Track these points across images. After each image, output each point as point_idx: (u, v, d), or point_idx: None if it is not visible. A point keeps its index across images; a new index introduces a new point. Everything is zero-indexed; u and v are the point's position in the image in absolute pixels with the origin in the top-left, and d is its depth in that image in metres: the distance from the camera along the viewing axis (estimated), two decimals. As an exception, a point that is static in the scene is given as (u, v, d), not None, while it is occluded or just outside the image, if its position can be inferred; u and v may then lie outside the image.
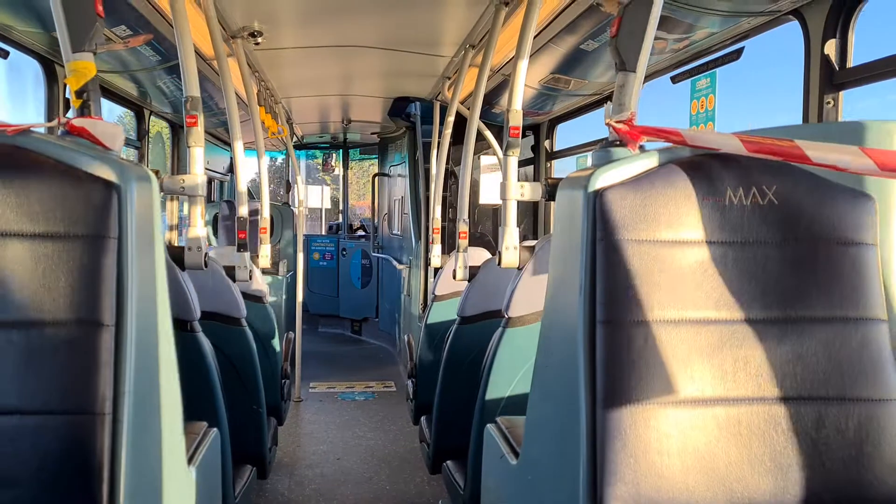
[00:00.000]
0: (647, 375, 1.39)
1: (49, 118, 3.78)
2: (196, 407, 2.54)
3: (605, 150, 1.65)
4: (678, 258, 1.44)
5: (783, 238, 1.46)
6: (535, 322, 1.99)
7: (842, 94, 2.60)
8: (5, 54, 3.45)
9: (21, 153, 1.44)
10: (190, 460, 1.91)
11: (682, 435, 1.40)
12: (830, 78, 2.58)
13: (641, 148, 1.63)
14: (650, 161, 1.51)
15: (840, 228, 1.47)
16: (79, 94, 1.62)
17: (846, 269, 1.46)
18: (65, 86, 3.87)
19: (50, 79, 3.82)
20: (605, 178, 1.47)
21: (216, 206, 7.45)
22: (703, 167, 1.49)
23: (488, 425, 2.22)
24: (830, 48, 2.58)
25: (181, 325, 2.59)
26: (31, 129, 1.48)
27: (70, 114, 1.66)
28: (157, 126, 6.17)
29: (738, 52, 3.25)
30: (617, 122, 1.65)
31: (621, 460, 1.38)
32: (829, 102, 2.58)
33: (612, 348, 1.40)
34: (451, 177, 6.60)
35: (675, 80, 3.78)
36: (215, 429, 2.18)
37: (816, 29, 2.62)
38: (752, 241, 1.46)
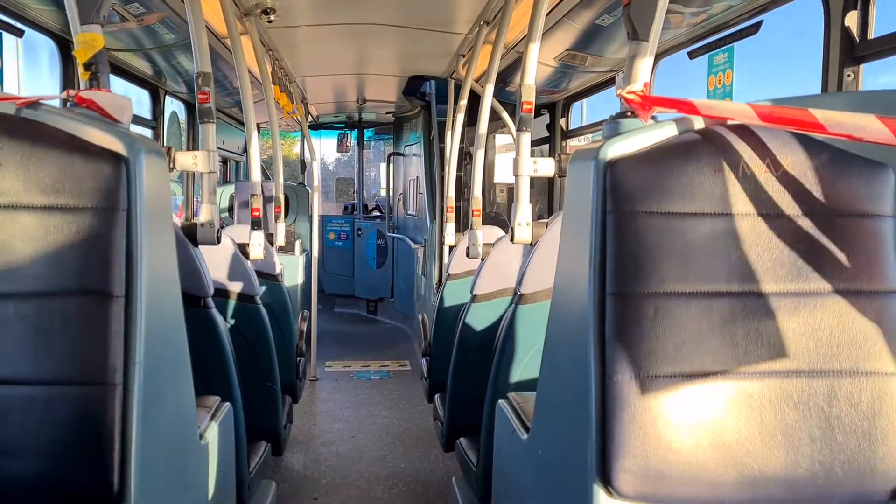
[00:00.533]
0: (657, 348, 1.38)
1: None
2: (210, 383, 2.56)
3: (616, 121, 1.62)
4: (690, 230, 1.42)
5: (797, 210, 1.44)
6: (548, 299, 1.98)
7: (862, 66, 2.55)
8: (20, 33, 3.46)
9: (30, 125, 1.45)
10: (202, 433, 1.92)
11: (692, 408, 1.39)
12: (851, 50, 2.53)
13: (653, 119, 1.61)
14: (662, 132, 1.48)
15: (856, 200, 1.44)
16: (87, 66, 1.61)
17: (862, 241, 1.43)
18: (81, 63, 3.87)
19: (65, 57, 3.83)
20: (615, 150, 1.45)
21: (231, 187, 7.47)
22: (717, 138, 1.46)
23: (500, 401, 2.22)
24: (851, 20, 2.53)
25: (194, 302, 2.60)
26: (40, 101, 1.48)
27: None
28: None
29: (757, 26, 3.19)
30: (628, 93, 1.62)
31: (630, 433, 1.37)
32: (849, 76, 2.53)
33: (621, 320, 1.39)
34: (465, 156, 6.57)
35: (692, 55, 3.73)
36: (228, 403, 2.20)
37: (837, 0, 2.57)
38: (765, 213, 1.44)
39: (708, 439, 1.39)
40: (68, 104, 1.59)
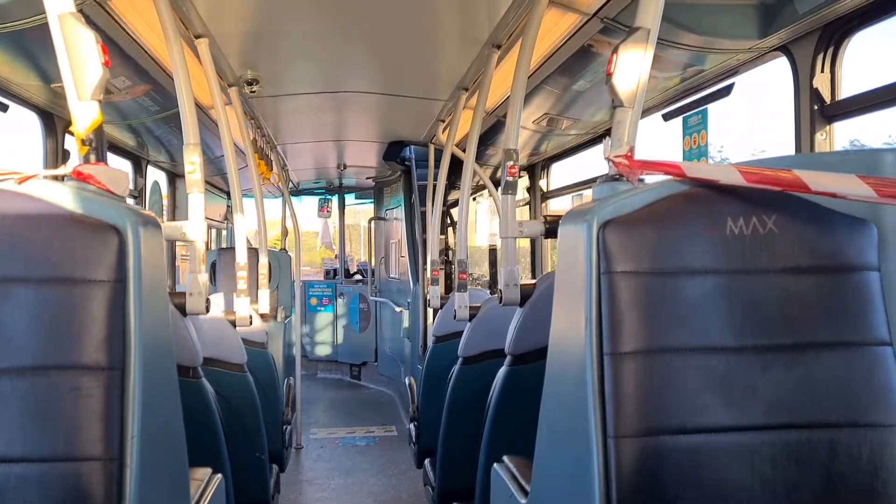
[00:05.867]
0: (657, 406, 1.39)
1: (48, 168, 3.80)
2: (199, 454, 2.51)
3: (605, 184, 1.67)
4: (682, 289, 1.45)
5: (785, 266, 1.47)
6: (539, 360, 1.98)
7: (833, 126, 2.64)
8: (4, 108, 3.49)
9: (29, 201, 1.46)
10: None
11: (694, 466, 1.39)
12: (822, 111, 2.62)
13: (641, 181, 1.65)
14: (650, 194, 1.53)
15: (841, 255, 1.48)
16: (84, 142, 1.64)
17: (850, 294, 1.47)
18: (64, 136, 3.90)
19: (48, 130, 3.86)
20: (607, 212, 1.49)
21: (214, 254, 7.46)
22: (703, 199, 1.51)
23: (495, 465, 2.20)
24: (819, 82, 2.63)
25: (183, 372, 2.57)
26: (39, 177, 1.50)
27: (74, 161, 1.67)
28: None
29: (729, 88, 3.31)
30: (616, 157, 1.67)
31: (635, 494, 1.37)
32: (822, 135, 2.62)
33: (620, 380, 1.40)
34: (446, 218, 6.64)
35: (666, 117, 3.83)
36: (220, 475, 2.16)
37: (804, 64, 2.67)
38: (754, 269, 1.47)
39: (711, 498, 1.39)
40: (65, 179, 1.60)
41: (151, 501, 1.51)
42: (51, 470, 1.38)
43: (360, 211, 10.91)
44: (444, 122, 5.29)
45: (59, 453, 1.38)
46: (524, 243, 6.32)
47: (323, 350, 10.09)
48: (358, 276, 10.63)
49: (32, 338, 1.40)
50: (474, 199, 7.14)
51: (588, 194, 2.97)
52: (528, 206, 6.18)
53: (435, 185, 5.21)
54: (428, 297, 5.10)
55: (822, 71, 2.64)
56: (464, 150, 4.07)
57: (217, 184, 7.83)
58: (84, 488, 1.38)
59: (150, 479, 1.48)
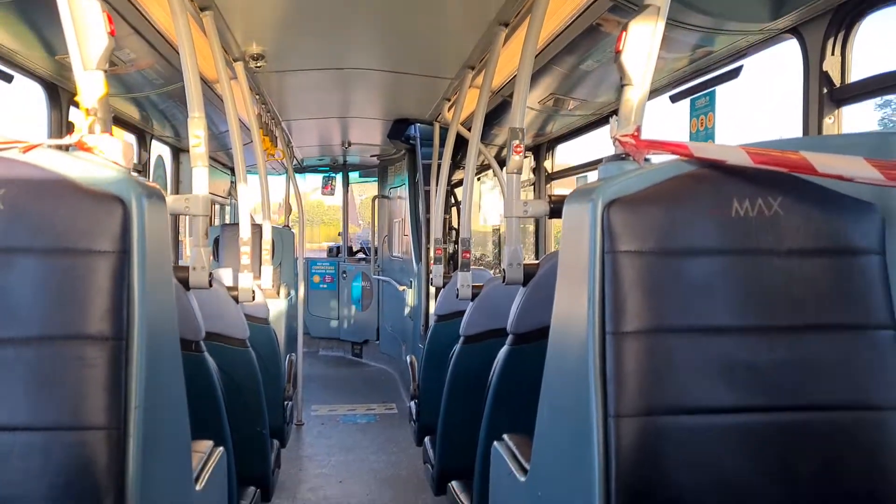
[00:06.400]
0: (659, 386, 1.40)
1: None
2: (201, 427, 2.52)
3: (611, 163, 1.66)
4: (687, 269, 1.45)
5: (790, 248, 1.47)
6: (540, 339, 1.98)
7: (842, 109, 2.62)
8: (9, 79, 3.47)
9: (33, 169, 1.45)
10: (197, 478, 1.90)
11: (694, 446, 1.40)
12: (831, 95, 2.60)
13: (647, 161, 1.65)
14: (656, 174, 1.52)
15: (846, 237, 1.48)
16: (89, 112, 1.63)
17: (853, 277, 1.47)
18: (68, 108, 3.89)
19: (53, 101, 3.85)
20: (612, 191, 1.48)
21: (217, 230, 7.46)
22: (709, 179, 1.50)
23: (495, 443, 2.22)
24: (829, 65, 2.60)
25: (186, 346, 2.57)
26: (43, 146, 1.49)
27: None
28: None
29: (737, 70, 3.28)
30: (622, 136, 1.66)
31: (634, 472, 1.38)
32: (830, 119, 2.60)
33: (622, 359, 1.41)
34: (450, 198, 6.62)
35: (674, 99, 3.80)
36: (221, 447, 2.17)
37: (815, 46, 2.65)
38: (759, 251, 1.47)
39: (709, 477, 1.40)
40: (70, 149, 1.60)
41: (153, 471, 1.52)
42: (55, 438, 1.39)
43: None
44: (449, 100, 5.27)
45: (63, 422, 1.39)
46: (529, 226, 6.32)
47: (325, 327, 10.12)
48: (361, 255, 10.63)
49: (37, 307, 1.40)
50: (479, 179, 7.12)
51: (592, 177, 2.96)
52: (532, 188, 6.16)
53: (440, 165, 5.20)
54: (431, 276, 5.10)
55: (833, 54, 2.61)
56: (469, 129, 4.05)
57: (221, 159, 7.82)
58: (87, 457, 1.39)
59: (152, 449, 1.49)
